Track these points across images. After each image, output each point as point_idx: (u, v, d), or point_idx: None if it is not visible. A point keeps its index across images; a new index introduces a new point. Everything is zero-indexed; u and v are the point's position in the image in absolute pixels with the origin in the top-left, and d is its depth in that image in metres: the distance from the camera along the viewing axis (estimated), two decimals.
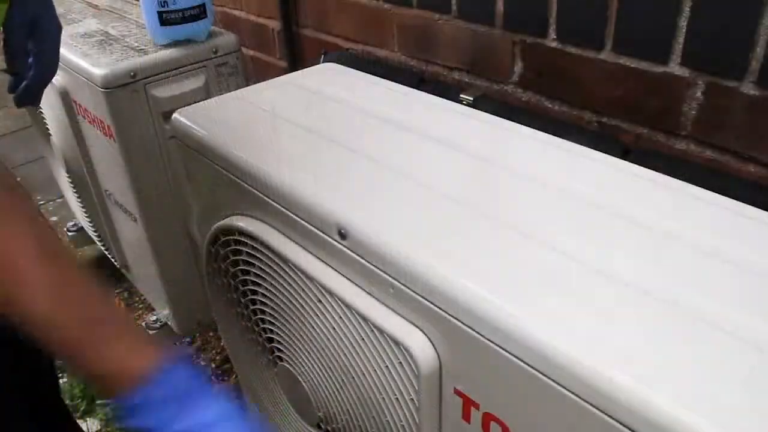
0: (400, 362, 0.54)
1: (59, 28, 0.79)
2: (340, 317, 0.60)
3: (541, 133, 0.71)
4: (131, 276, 1.58)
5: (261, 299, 0.73)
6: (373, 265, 0.56)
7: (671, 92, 0.75)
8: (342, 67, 0.97)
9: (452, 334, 0.50)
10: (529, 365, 0.44)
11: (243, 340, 0.85)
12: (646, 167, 0.63)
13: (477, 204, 0.59)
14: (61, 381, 1.53)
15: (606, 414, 0.40)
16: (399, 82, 0.89)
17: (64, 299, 0.46)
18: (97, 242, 1.63)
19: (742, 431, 0.36)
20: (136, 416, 0.46)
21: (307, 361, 0.69)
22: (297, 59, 1.38)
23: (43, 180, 2.12)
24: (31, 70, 0.76)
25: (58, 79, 1.24)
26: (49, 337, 0.46)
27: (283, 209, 0.65)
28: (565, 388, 0.42)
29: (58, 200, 2.08)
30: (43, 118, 1.47)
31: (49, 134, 1.50)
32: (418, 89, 0.87)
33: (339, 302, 0.59)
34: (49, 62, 0.79)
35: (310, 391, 0.72)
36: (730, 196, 0.58)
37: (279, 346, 0.75)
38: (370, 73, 0.93)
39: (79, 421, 1.19)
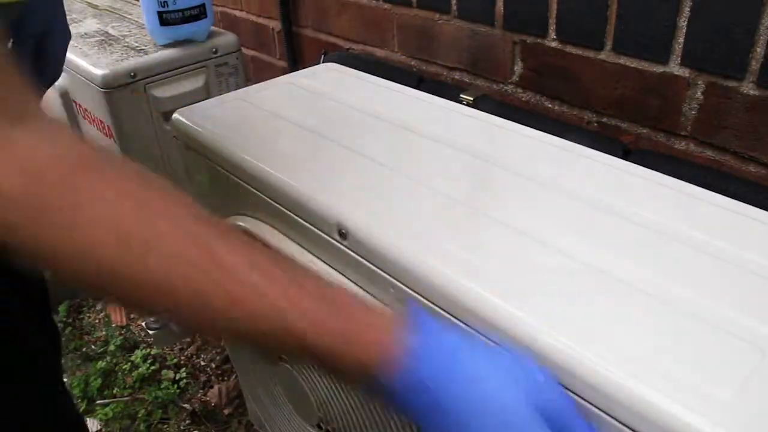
0: None
1: (68, 37, 0.77)
2: None
3: (541, 133, 0.72)
4: None
5: None
6: (373, 265, 0.56)
7: (671, 92, 0.75)
8: (342, 67, 0.97)
9: None
10: None
11: None
12: (646, 167, 0.63)
13: (477, 204, 0.59)
14: None
15: (606, 413, 0.40)
16: (399, 82, 0.89)
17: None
18: None
19: (742, 430, 0.36)
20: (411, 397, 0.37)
21: None
22: (297, 59, 1.39)
23: None
24: (32, 76, 0.74)
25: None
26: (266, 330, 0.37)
27: (283, 209, 0.65)
28: (564, 387, 0.42)
29: None
30: None
31: None
32: (418, 89, 0.87)
33: None
34: (53, 71, 0.77)
35: (310, 391, 0.72)
36: (730, 196, 0.58)
37: None
38: (370, 73, 0.93)
39: None
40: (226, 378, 1.57)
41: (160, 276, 0.35)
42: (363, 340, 0.38)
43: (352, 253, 0.58)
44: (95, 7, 1.51)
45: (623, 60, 0.78)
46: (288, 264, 0.40)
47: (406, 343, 0.37)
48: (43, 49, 0.69)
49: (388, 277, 0.54)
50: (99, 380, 1.56)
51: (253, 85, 0.91)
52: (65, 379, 1.56)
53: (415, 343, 0.37)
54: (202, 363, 1.63)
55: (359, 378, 0.38)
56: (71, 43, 1.23)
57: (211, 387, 1.54)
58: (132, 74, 1.11)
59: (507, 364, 0.39)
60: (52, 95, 1.29)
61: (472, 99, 0.93)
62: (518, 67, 0.92)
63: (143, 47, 1.18)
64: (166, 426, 1.46)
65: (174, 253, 0.36)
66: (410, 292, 0.52)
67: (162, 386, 1.53)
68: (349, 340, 0.37)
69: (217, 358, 1.63)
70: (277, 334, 0.37)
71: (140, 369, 1.58)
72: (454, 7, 0.96)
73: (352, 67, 0.96)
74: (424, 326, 0.39)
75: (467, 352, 0.38)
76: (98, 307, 1.84)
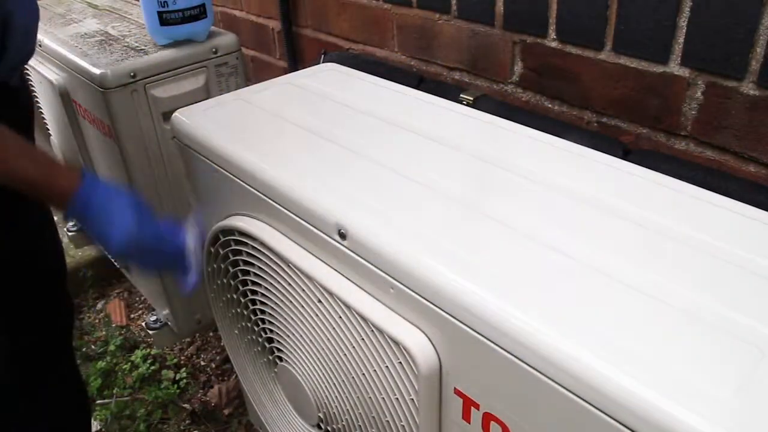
0: (400, 362, 0.54)
1: (36, 14, 0.81)
2: (340, 317, 0.60)
3: (541, 133, 0.72)
4: (131, 276, 1.58)
5: (261, 299, 0.73)
6: (373, 265, 0.56)
7: (671, 92, 0.75)
8: (342, 67, 0.97)
9: (452, 334, 0.50)
10: (529, 365, 0.44)
11: (243, 340, 0.85)
12: (646, 167, 0.63)
13: (477, 204, 0.59)
14: None
15: (605, 413, 0.40)
16: (399, 82, 0.89)
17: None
18: None
19: (742, 430, 0.36)
20: (87, 209, 0.75)
21: (307, 361, 0.69)
22: (297, 59, 1.39)
23: None
24: None
25: (58, 79, 1.24)
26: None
27: (283, 209, 0.65)
28: (564, 387, 0.42)
29: None
30: (43, 118, 1.47)
31: (49, 134, 1.50)
32: (418, 89, 0.87)
33: (339, 302, 0.59)
34: (22, 43, 0.80)
35: (310, 391, 0.72)
36: (730, 196, 0.58)
37: (279, 346, 0.75)
38: (370, 73, 0.93)
39: None
40: (226, 378, 1.57)
41: None
42: (66, 176, 0.74)
43: (351, 254, 0.58)
44: (95, 7, 1.51)
45: (623, 60, 0.78)
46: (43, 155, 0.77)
47: (83, 182, 0.74)
48: (6, 24, 0.75)
49: (387, 277, 0.54)
50: (99, 380, 1.56)
51: (253, 85, 0.91)
52: None
53: (87, 182, 0.75)
54: (202, 363, 1.63)
55: (65, 201, 0.74)
56: (71, 43, 1.23)
57: (211, 387, 1.54)
58: (132, 74, 1.11)
59: (122, 191, 0.78)
60: (51, 95, 1.29)
61: (472, 99, 0.93)
62: (518, 67, 0.92)
63: (143, 47, 1.18)
64: (166, 426, 1.46)
65: None
66: (410, 291, 0.52)
67: (162, 386, 1.53)
68: (60, 180, 0.74)
69: (217, 358, 1.63)
70: (29, 181, 0.72)
71: (140, 369, 1.58)
72: (454, 7, 0.96)
73: (352, 67, 0.96)
74: (90, 177, 0.76)
75: (111, 189, 0.77)
76: (98, 307, 1.84)
